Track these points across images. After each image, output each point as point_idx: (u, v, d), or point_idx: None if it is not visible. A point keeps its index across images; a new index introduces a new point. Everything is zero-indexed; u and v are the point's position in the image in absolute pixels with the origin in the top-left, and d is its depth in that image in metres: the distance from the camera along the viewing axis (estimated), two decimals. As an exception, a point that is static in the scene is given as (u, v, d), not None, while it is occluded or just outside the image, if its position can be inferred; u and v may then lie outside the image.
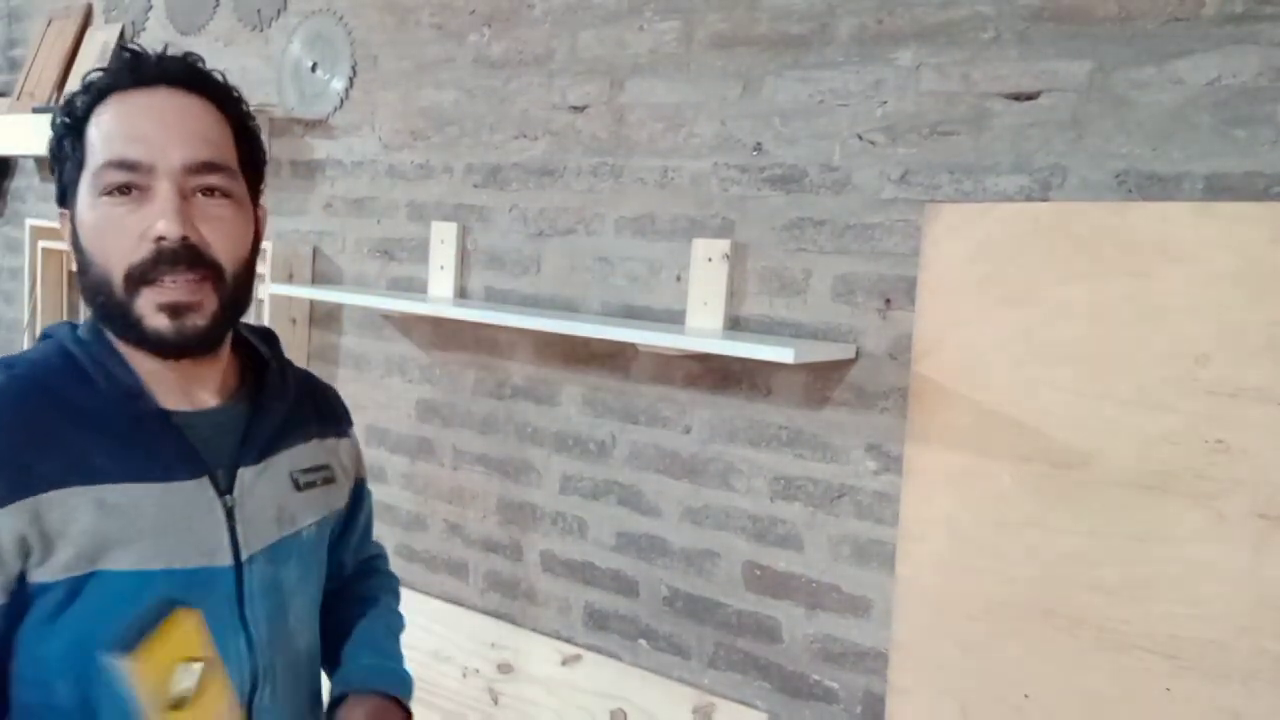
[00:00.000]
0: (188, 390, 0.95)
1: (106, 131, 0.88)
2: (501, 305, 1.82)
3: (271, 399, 1.00)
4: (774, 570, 1.56)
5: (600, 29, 1.72)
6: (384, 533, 2.10)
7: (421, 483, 2.04)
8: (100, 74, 0.91)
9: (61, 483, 0.84)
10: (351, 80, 2.09)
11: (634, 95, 1.68)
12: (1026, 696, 1.31)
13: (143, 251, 0.86)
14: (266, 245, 2.12)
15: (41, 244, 2.78)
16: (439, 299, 1.91)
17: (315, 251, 2.19)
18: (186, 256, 0.87)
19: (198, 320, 0.89)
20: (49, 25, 2.81)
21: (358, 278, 2.12)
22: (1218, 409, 1.18)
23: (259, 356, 1.03)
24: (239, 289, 0.93)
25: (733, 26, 1.56)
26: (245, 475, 0.95)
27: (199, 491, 0.91)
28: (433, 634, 1.95)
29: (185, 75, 0.92)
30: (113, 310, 0.88)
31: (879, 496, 1.45)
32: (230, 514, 0.93)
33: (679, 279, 1.64)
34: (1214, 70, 1.20)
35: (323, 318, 2.20)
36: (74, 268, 0.92)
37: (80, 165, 0.89)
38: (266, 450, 0.99)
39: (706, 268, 1.58)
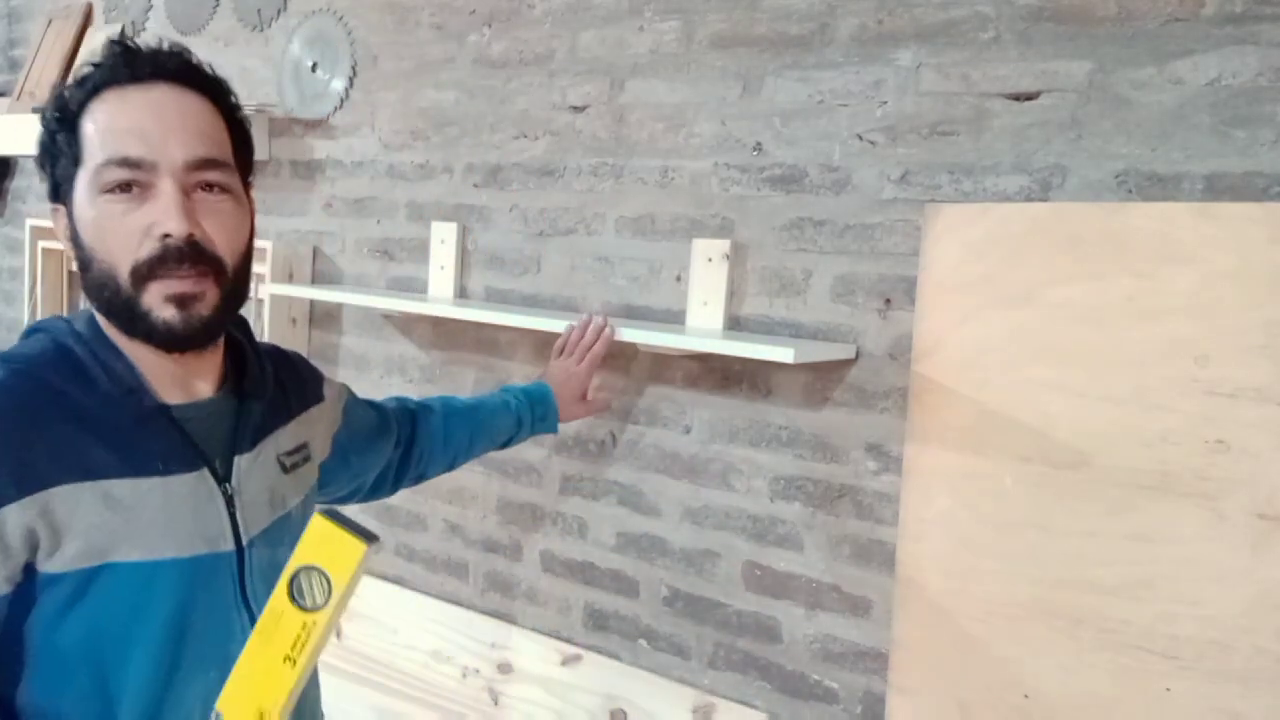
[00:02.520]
0: (185, 382, 0.97)
1: (104, 128, 0.88)
2: (501, 305, 1.82)
3: (256, 386, 1.03)
4: (774, 570, 1.56)
5: (600, 29, 1.72)
6: (384, 532, 2.10)
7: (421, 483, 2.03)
8: (94, 69, 0.91)
9: (67, 479, 0.85)
10: (351, 80, 2.09)
11: (634, 95, 1.68)
12: (1026, 696, 1.31)
13: (148, 248, 0.88)
14: (266, 245, 2.12)
15: (41, 244, 2.78)
16: (439, 299, 1.91)
17: (315, 251, 2.19)
18: (191, 253, 0.89)
19: (202, 311, 0.90)
20: (49, 25, 2.81)
21: (358, 278, 2.12)
22: (1217, 409, 1.18)
23: (237, 344, 1.05)
24: (238, 281, 0.95)
25: (733, 26, 1.56)
26: (241, 463, 0.99)
27: (200, 482, 0.94)
28: (433, 634, 1.95)
29: (182, 71, 0.92)
30: (119, 305, 0.89)
31: (879, 496, 1.45)
32: (230, 501, 0.96)
33: (679, 279, 1.64)
34: (1214, 70, 1.20)
35: (323, 318, 2.20)
36: (73, 264, 0.94)
37: (76, 161, 0.89)
38: (257, 437, 1.02)
39: (706, 268, 1.58)
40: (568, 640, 1.80)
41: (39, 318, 2.77)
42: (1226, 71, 1.19)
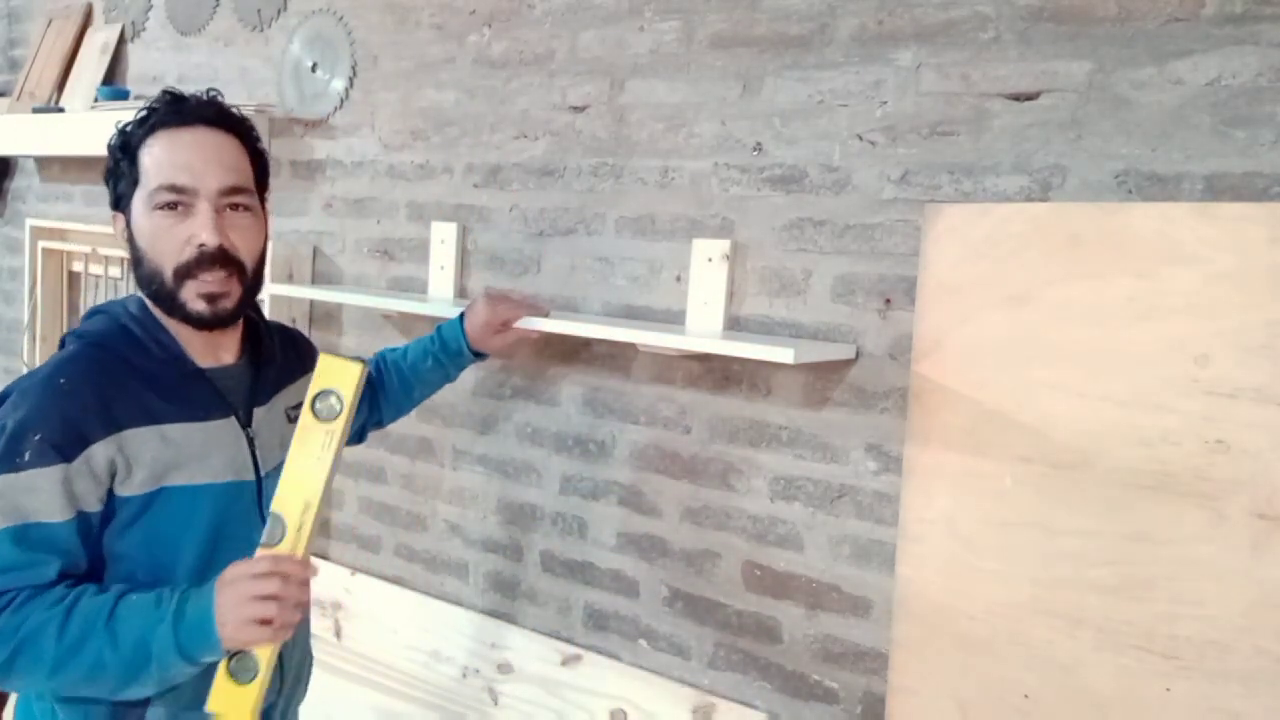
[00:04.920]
0: (214, 351, 1.22)
1: (158, 160, 1.14)
2: (501, 305, 1.81)
3: (269, 355, 1.29)
4: (774, 570, 1.56)
5: (600, 29, 1.72)
6: (384, 532, 2.11)
7: (421, 483, 2.04)
8: (150, 112, 1.15)
9: (136, 423, 1.11)
10: (351, 80, 2.09)
11: (634, 95, 1.68)
12: (1026, 696, 1.31)
13: (188, 254, 1.13)
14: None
15: (41, 244, 2.78)
16: (439, 299, 1.91)
17: (315, 251, 2.19)
18: (220, 258, 1.14)
19: (226, 304, 1.16)
20: (49, 25, 2.81)
21: (358, 278, 2.12)
22: (1217, 409, 1.18)
23: (251, 321, 1.30)
24: (255, 278, 1.21)
25: (733, 26, 1.56)
26: (258, 413, 1.25)
27: (229, 427, 1.20)
28: (433, 634, 1.95)
29: (217, 117, 1.17)
30: (163, 295, 1.15)
31: (879, 496, 1.45)
32: (251, 442, 1.22)
33: (679, 279, 1.64)
34: (1214, 70, 1.20)
35: (323, 318, 2.20)
36: (129, 258, 1.19)
37: (135, 182, 1.15)
38: (270, 394, 1.28)
39: (706, 268, 1.58)
40: (568, 640, 1.80)
41: (39, 317, 2.78)
42: (1226, 71, 1.19)
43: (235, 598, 1.04)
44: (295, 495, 1.09)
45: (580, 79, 1.74)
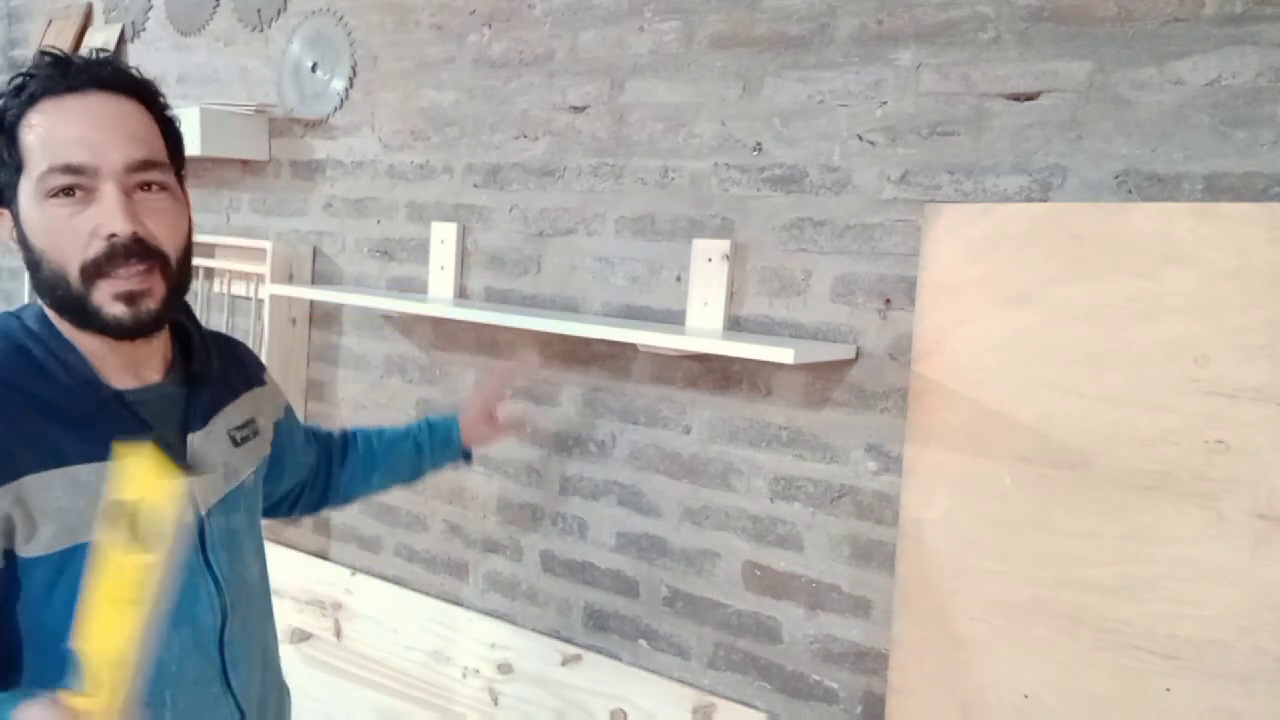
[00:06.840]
0: (136, 369, 1.02)
1: (44, 136, 0.92)
2: (501, 305, 1.82)
3: (204, 369, 1.09)
4: (774, 570, 1.56)
5: (600, 29, 1.72)
6: (384, 533, 2.11)
7: (421, 483, 2.03)
8: (28, 79, 0.94)
9: (38, 466, 0.91)
10: (351, 80, 2.09)
11: (634, 95, 1.68)
12: (1026, 696, 1.31)
13: (95, 248, 0.93)
14: (266, 245, 2.12)
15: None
16: (439, 299, 1.91)
17: (315, 251, 2.19)
18: (137, 250, 0.94)
19: (150, 305, 0.96)
20: (49, 25, 2.81)
21: (358, 278, 2.12)
22: (1217, 409, 1.18)
23: (181, 329, 1.11)
24: (182, 273, 1.00)
25: (733, 26, 1.56)
26: (195, 440, 1.06)
27: None
28: (433, 634, 1.95)
29: (113, 78, 0.96)
30: (70, 302, 0.95)
31: (879, 496, 1.45)
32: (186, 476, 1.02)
33: (679, 279, 1.64)
34: (1214, 70, 1.20)
35: (322, 318, 2.20)
36: (25, 263, 0.98)
37: (19, 168, 0.93)
38: (208, 415, 1.09)
39: (706, 268, 1.58)
40: (568, 640, 1.80)
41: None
42: (1226, 71, 1.19)
43: None
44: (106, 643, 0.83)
45: (580, 79, 1.74)
